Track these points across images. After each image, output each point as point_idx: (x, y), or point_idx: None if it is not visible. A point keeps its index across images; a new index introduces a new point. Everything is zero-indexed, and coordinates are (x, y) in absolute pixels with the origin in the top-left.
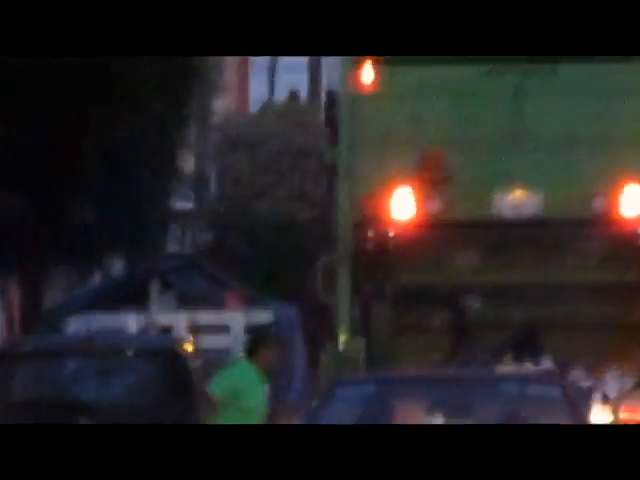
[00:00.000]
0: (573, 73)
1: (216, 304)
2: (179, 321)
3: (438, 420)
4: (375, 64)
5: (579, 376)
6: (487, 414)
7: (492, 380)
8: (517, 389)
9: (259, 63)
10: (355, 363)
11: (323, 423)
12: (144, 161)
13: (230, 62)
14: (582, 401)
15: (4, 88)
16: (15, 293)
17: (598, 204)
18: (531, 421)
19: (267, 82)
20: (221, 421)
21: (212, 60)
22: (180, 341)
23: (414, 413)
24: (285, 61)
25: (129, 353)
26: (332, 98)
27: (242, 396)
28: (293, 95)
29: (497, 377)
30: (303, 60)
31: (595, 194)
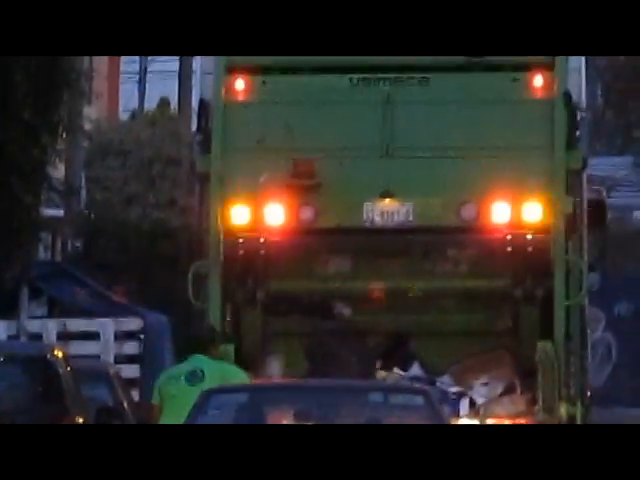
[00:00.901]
0: (443, 83)
1: (86, 311)
2: (49, 328)
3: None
4: (247, 73)
5: (447, 383)
6: (355, 422)
7: (358, 390)
8: (382, 398)
9: (129, 70)
10: None
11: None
12: (13, 167)
13: (100, 69)
14: (445, 408)
15: None
16: None
17: (467, 212)
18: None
19: (138, 89)
20: None
21: (82, 67)
22: (51, 348)
23: (285, 420)
24: (155, 68)
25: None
26: (204, 106)
27: (228, 375)
28: (164, 102)
29: (363, 387)
30: (175, 67)
31: (464, 202)
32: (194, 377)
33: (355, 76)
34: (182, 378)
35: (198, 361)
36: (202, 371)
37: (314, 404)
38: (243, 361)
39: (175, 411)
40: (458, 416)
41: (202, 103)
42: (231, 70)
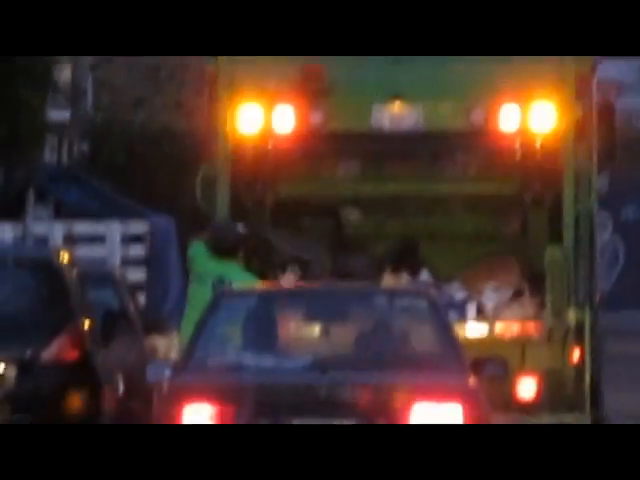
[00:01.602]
0: None
1: (92, 214)
2: (55, 231)
3: (315, 327)
4: None
5: (457, 288)
6: (361, 323)
7: (362, 292)
8: (387, 301)
9: None
10: None
11: (208, 330)
12: (19, 70)
13: None
14: (447, 311)
15: None
16: None
17: (476, 116)
18: (400, 329)
19: None
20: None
21: None
22: (56, 251)
23: (293, 321)
24: None
25: (6, 263)
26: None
27: None
28: None
29: (367, 289)
30: None
31: (473, 106)
32: (221, 286)
33: None
34: (209, 282)
35: (230, 270)
36: (230, 283)
37: (321, 307)
38: (249, 268)
39: (197, 312)
40: (465, 320)
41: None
42: None
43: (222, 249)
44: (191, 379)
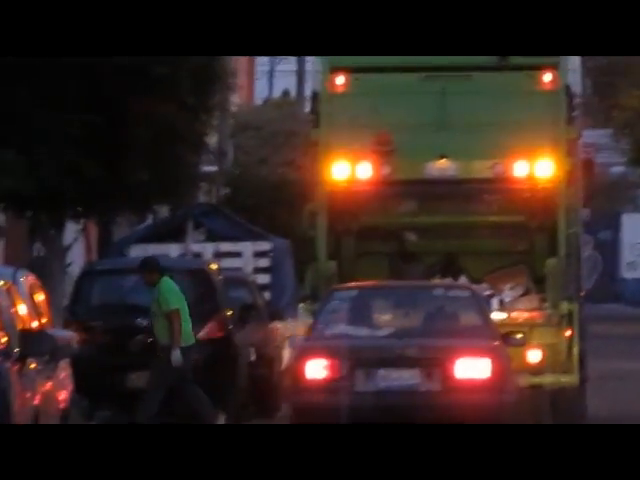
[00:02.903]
0: (481, 78)
1: (232, 237)
2: (207, 249)
3: (400, 313)
4: (345, 72)
5: (484, 288)
6: (425, 307)
7: (429, 288)
8: (444, 293)
9: (261, 69)
10: (329, 280)
11: (324, 315)
12: (180, 138)
13: (241, 68)
14: (484, 301)
15: (90, 85)
16: (93, 230)
17: (497, 169)
18: (451, 311)
19: (267, 83)
20: None
21: (229, 66)
22: (208, 263)
23: (382, 306)
24: (280, 67)
25: (173, 272)
26: (315, 95)
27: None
28: (286, 93)
29: (432, 286)
30: (294, 67)
31: (495, 162)
32: None
33: (420, 74)
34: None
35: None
36: None
37: (400, 297)
38: (341, 274)
39: None
40: (490, 310)
41: (314, 93)
42: (333, 70)
43: None
44: (312, 344)
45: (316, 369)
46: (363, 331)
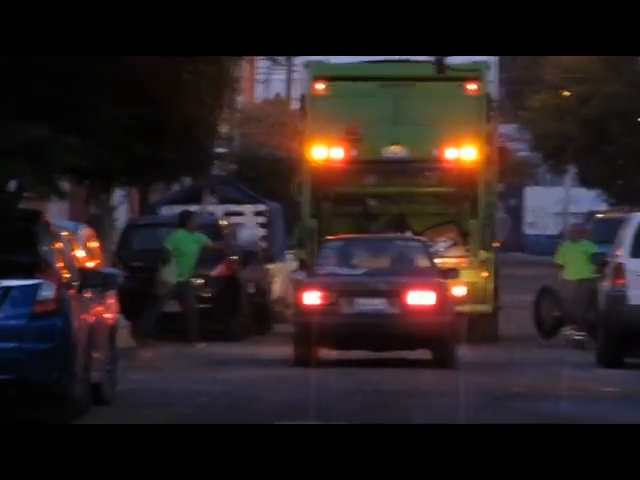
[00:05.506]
0: (422, 86)
1: (238, 201)
2: (219, 210)
3: (372, 257)
4: (324, 80)
5: (426, 241)
6: (390, 254)
7: (393, 239)
8: (403, 243)
9: (260, 77)
10: (312, 233)
11: (321, 260)
12: (201, 127)
13: (245, 74)
14: (430, 250)
15: (137, 86)
16: (135, 194)
17: (435, 153)
18: (408, 256)
19: (264, 87)
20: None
21: (235, 73)
22: (218, 219)
23: (361, 254)
24: (274, 76)
25: None
26: (302, 97)
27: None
28: (278, 95)
29: (395, 238)
30: (284, 76)
31: (434, 148)
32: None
33: (380, 82)
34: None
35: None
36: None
37: (373, 246)
38: (320, 230)
39: None
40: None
41: (301, 95)
42: (316, 78)
43: None
44: (309, 279)
45: (313, 298)
46: (346, 271)
